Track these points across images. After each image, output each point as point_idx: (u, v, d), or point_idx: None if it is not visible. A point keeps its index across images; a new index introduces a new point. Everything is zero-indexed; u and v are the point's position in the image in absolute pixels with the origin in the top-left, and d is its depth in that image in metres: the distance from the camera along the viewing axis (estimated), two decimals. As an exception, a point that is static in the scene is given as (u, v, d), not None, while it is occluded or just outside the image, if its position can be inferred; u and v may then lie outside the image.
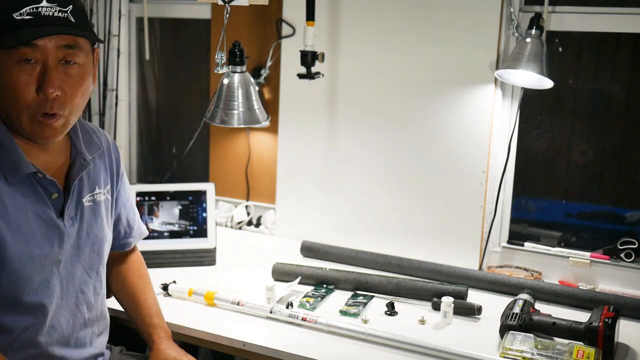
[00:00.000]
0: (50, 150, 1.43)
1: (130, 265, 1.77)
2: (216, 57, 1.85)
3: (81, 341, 1.52)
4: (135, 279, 1.75)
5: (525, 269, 2.22)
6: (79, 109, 1.41)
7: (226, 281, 2.09)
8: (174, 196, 2.31)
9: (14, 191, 1.34)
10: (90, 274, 1.53)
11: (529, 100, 2.23)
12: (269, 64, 2.52)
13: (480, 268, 2.24)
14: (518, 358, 1.61)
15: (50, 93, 1.32)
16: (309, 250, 2.32)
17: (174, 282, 2.01)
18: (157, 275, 2.06)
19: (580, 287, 2.08)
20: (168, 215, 2.30)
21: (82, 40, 1.37)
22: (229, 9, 1.88)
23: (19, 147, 1.36)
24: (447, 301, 1.84)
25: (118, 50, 2.74)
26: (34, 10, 1.30)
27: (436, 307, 1.89)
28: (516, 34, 2.11)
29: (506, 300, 1.88)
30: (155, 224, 2.29)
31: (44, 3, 1.31)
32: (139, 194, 2.29)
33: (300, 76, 2.10)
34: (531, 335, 1.67)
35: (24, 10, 1.29)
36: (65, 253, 1.44)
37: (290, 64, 2.39)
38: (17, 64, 1.30)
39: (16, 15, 1.28)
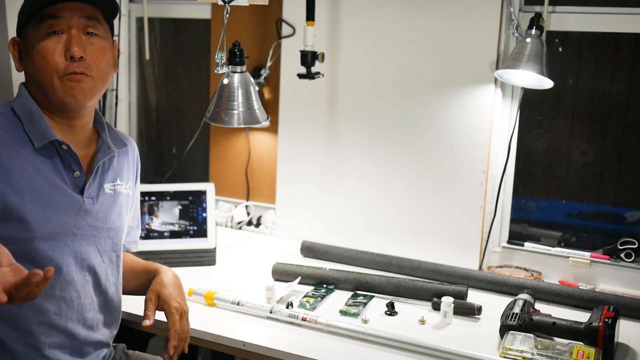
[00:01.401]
0: (78, 135, 1.54)
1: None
2: (216, 57, 1.85)
3: (89, 322, 1.55)
4: (126, 259, 1.77)
5: (525, 269, 2.22)
6: (105, 78, 1.54)
7: (226, 281, 2.09)
8: (174, 196, 2.31)
9: (39, 159, 1.45)
10: (104, 258, 1.57)
11: (529, 100, 2.23)
12: (269, 64, 2.52)
13: (480, 268, 2.24)
14: (518, 358, 1.61)
15: (76, 53, 1.45)
16: (309, 250, 2.32)
17: (174, 282, 2.00)
18: (157, 275, 2.06)
19: (580, 287, 2.08)
20: (168, 215, 2.30)
21: (101, 17, 1.53)
22: (229, 9, 1.88)
23: (48, 121, 1.48)
24: (447, 301, 1.84)
25: (118, 50, 2.74)
26: None
27: (436, 307, 1.89)
28: (516, 34, 2.11)
29: (506, 300, 1.88)
30: (155, 224, 2.29)
31: None
32: (139, 194, 2.29)
33: (300, 76, 2.10)
34: (531, 335, 1.67)
35: None
36: (81, 229, 1.50)
37: (290, 64, 2.39)
38: (46, 36, 1.45)
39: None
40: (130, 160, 1.69)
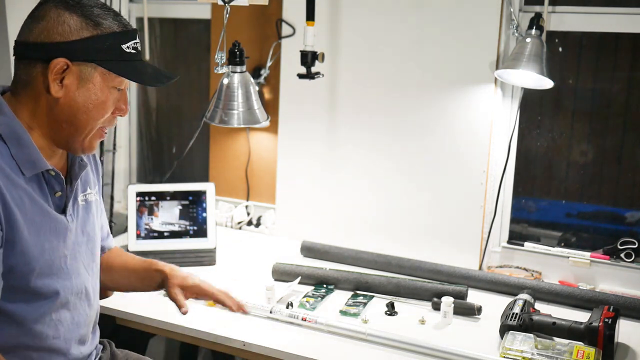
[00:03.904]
0: (55, 156, 1.48)
1: (109, 255, 1.77)
2: (216, 57, 1.85)
3: (83, 338, 1.54)
4: (118, 258, 1.77)
5: (525, 269, 2.22)
6: None
7: (226, 281, 2.09)
8: (174, 196, 2.31)
9: (28, 186, 1.39)
10: (89, 271, 1.56)
11: (529, 100, 2.23)
12: (269, 64, 2.52)
13: (480, 268, 2.24)
14: (518, 358, 1.61)
15: (125, 112, 1.47)
16: (309, 250, 2.32)
17: (174, 282, 2.00)
18: (157, 275, 2.06)
19: (580, 287, 2.08)
20: (168, 215, 2.30)
21: None
22: (229, 9, 1.89)
23: (36, 146, 1.41)
24: (447, 301, 1.84)
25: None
26: (135, 44, 1.43)
27: (436, 307, 1.89)
28: (516, 34, 2.11)
29: (506, 300, 1.88)
30: (155, 224, 2.29)
31: (137, 39, 1.44)
32: (139, 194, 2.30)
33: (300, 76, 2.10)
34: (531, 335, 1.67)
35: (130, 44, 1.41)
36: (68, 248, 1.48)
37: (290, 64, 2.39)
38: (114, 88, 1.42)
39: (125, 48, 1.40)
40: (92, 164, 1.64)
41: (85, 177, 1.57)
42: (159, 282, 1.68)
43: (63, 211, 1.47)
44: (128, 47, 1.41)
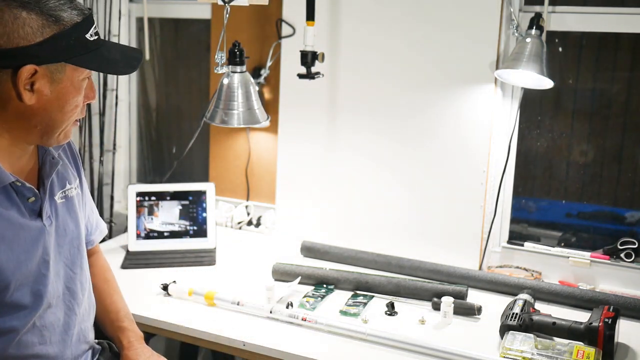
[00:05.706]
0: (24, 156, 1.43)
1: (95, 270, 1.74)
2: (216, 57, 1.85)
3: (74, 338, 1.52)
4: (100, 283, 1.73)
5: (525, 269, 2.22)
6: None
7: (226, 281, 2.09)
8: (174, 196, 2.31)
9: None
10: (74, 269, 1.52)
11: (529, 100, 2.23)
12: (269, 64, 2.52)
13: (480, 268, 2.24)
14: (518, 358, 1.61)
15: (94, 99, 1.45)
16: (309, 250, 2.32)
17: (174, 282, 2.01)
18: (157, 275, 2.06)
19: (580, 287, 2.08)
20: (168, 215, 2.30)
21: None
22: (228, 9, 1.89)
23: None
24: (447, 301, 1.84)
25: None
26: (95, 29, 1.37)
27: (436, 307, 1.89)
28: (516, 34, 2.11)
29: (506, 300, 1.88)
30: (155, 224, 2.29)
31: (94, 22, 1.39)
32: (139, 194, 2.30)
33: (300, 76, 2.10)
34: (531, 335, 1.67)
35: (91, 31, 1.36)
36: (49, 252, 1.44)
37: (290, 64, 2.39)
38: (83, 80, 1.39)
39: (89, 37, 1.35)
40: (69, 156, 1.59)
41: (63, 173, 1.53)
42: (116, 342, 1.66)
43: (40, 214, 1.42)
44: (91, 35, 1.35)
